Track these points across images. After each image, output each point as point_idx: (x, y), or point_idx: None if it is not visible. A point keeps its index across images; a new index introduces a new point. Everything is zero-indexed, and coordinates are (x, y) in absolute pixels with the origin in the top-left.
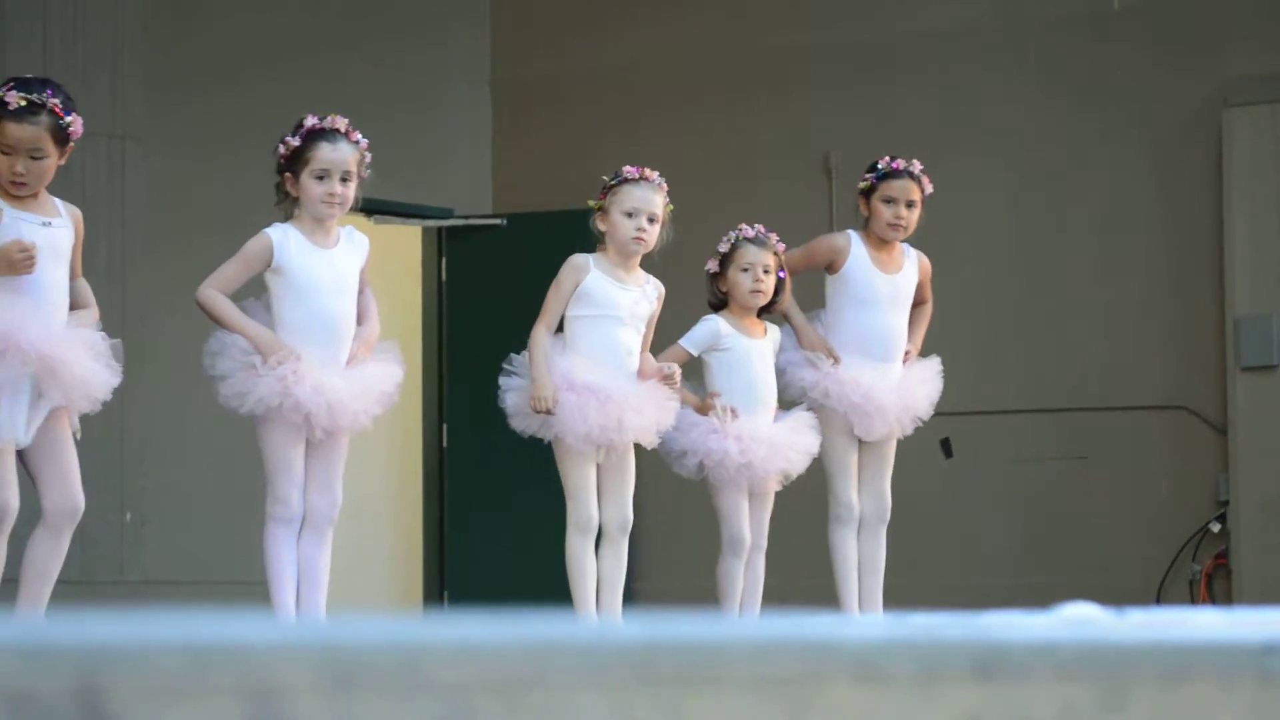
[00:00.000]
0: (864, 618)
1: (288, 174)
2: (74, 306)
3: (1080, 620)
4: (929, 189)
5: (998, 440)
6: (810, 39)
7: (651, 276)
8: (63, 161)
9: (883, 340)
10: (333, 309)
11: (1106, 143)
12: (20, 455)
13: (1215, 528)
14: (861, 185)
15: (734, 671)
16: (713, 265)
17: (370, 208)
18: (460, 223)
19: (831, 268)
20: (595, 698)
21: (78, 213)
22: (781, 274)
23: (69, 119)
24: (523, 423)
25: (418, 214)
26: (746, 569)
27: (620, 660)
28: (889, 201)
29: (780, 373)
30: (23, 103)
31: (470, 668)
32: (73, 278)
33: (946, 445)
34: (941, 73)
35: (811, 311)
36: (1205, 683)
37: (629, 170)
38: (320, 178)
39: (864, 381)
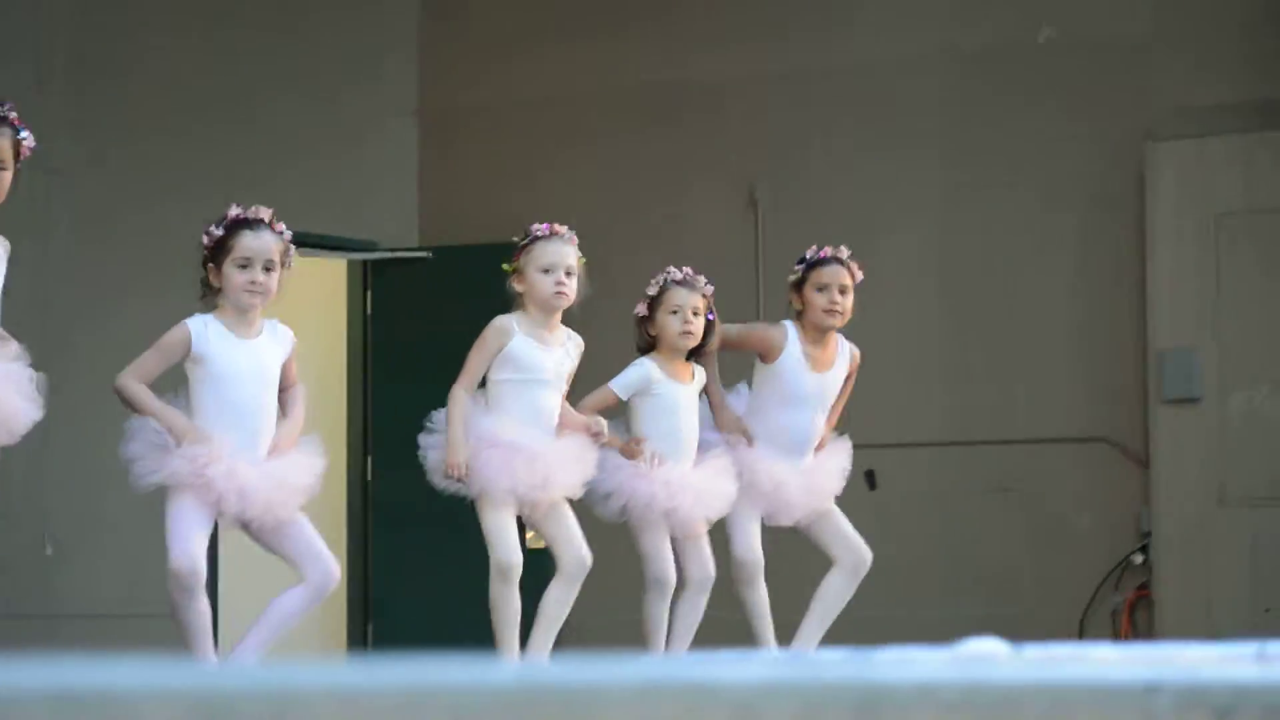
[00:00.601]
0: (743, 659)
1: (211, 265)
2: None
3: (980, 655)
4: (859, 276)
5: (921, 472)
6: (735, 70)
7: (572, 332)
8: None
9: (800, 439)
10: (251, 398)
11: (1030, 175)
12: None
13: (1137, 559)
14: (791, 278)
15: (611, 716)
16: (641, 309)
17: (295, 240)
18: (386, 255)
19: (765, 357)
20: None
21: (5, 243)
22: (711, 316)
23: (25, 133)
24: (443, 480)
25: (342, 246)
26: (686, 606)
27: (495, 704)
28: (822, 289)
29: (700, 444)
30: None
31: (342, 714)
32: None
33: (870, 477)
34: (865, 104)
35: (732, 386)
36: None
37: (538, 228)
38: (243, 266)
39: (775, 473)
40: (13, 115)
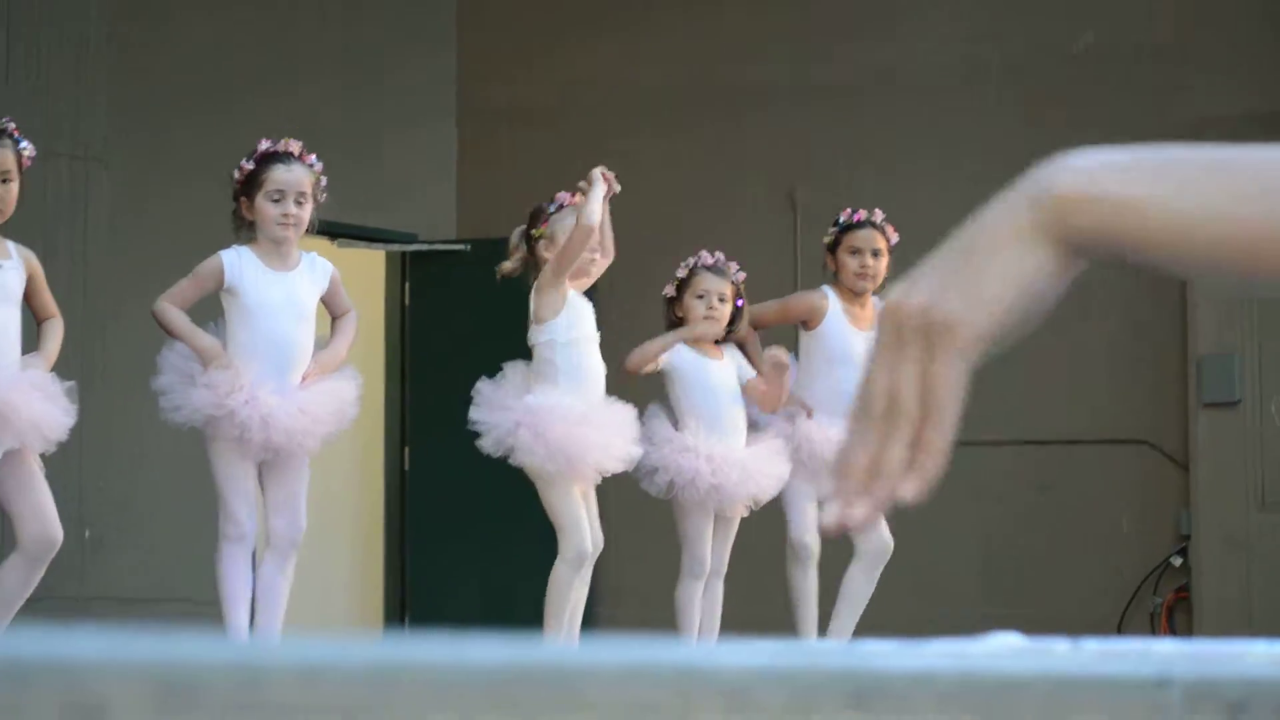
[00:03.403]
0: (736, 644)
1: (243, 198)
2: (41, 345)
3: (1002, 650)
4: (894, 238)
5: (960, 472)
6: (776, 72)
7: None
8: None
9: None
10: (285, 332)
11: None
12: None
13: (1176, 562)
14: (826, 240)
15: (596, 698)
16: (669, 290)
17: (334, 231)
18: (424, 248)
19: (807, 324)
20: None
21: (30, 254)
22: (740, 302)
23: (25, 144)
24: (493, 448)
25: (381, 238)
26: (706, 594)
27: (473, 685)
28: (854, 253)
29: (753, 422)
30: None
31: (311, 690)
32: (41, 318)
33: None
34: (908, 108)
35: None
36: (1092, 716)
37: (567, 196)
38: (275, 200)
39: (835, 440)
40: (11, 127)
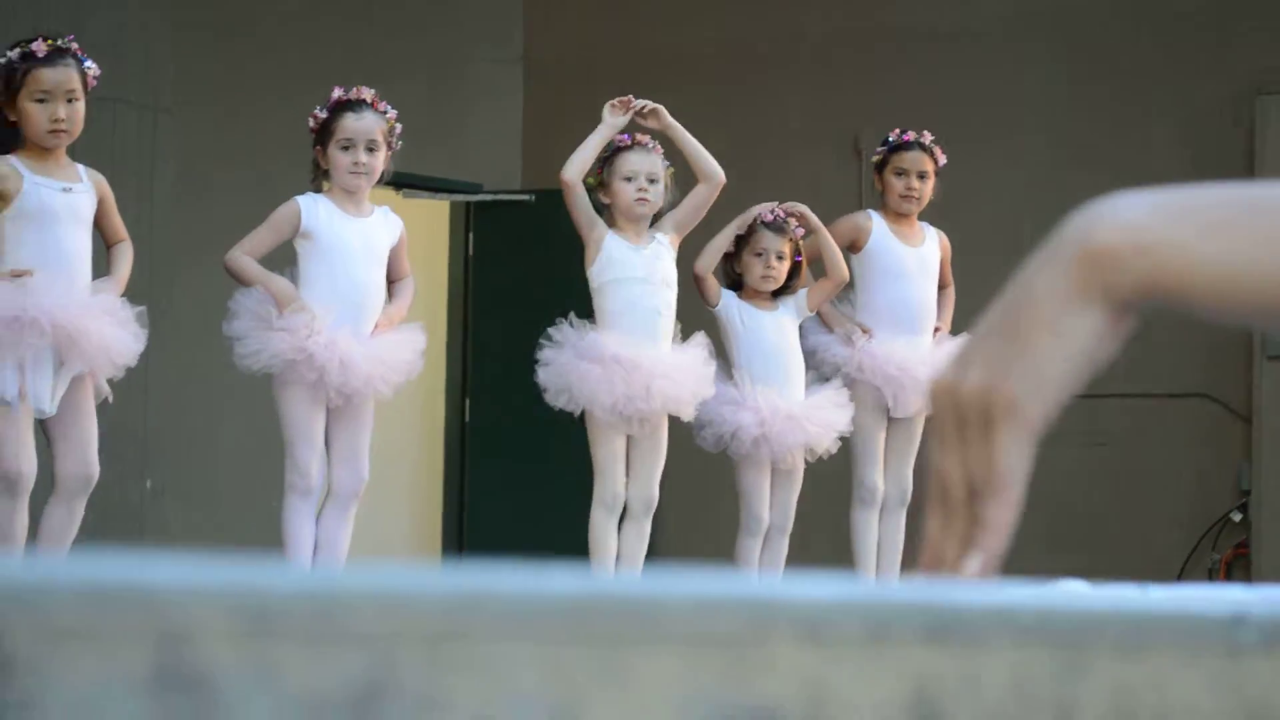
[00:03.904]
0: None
1: (318, 147)
2: (111, 270)
3: (1074, 593)
4: (942, 160)
5: None
6: (842, 22)
7: (658, 234)
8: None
9: (915, 312)
10: (360, 276)
11: (1138, 129)
12: (41, 421)
13: (1236, 517)
14: (874, 159)
15: (672, 629)
16: (729, 245)
17: (398, 181)
18: (489, 198)
19: (854, 247)
20: (524, 652)
21: (100, 178)
22: (799, 258)
23: (89, 63)
24: (556, 398)
25: (446, 188)
26: (767, 548)
27: (551, 614)
28: (900, 174)
29: (811, 352)
30: (51, 48)
31: (391, 618)
32: (111, 242)
33: None
34: (973, 56)
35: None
36: (1169, 654)
37: (621, 138)
38: (346, 148)
39: (897, 355)
40: (75, 46)
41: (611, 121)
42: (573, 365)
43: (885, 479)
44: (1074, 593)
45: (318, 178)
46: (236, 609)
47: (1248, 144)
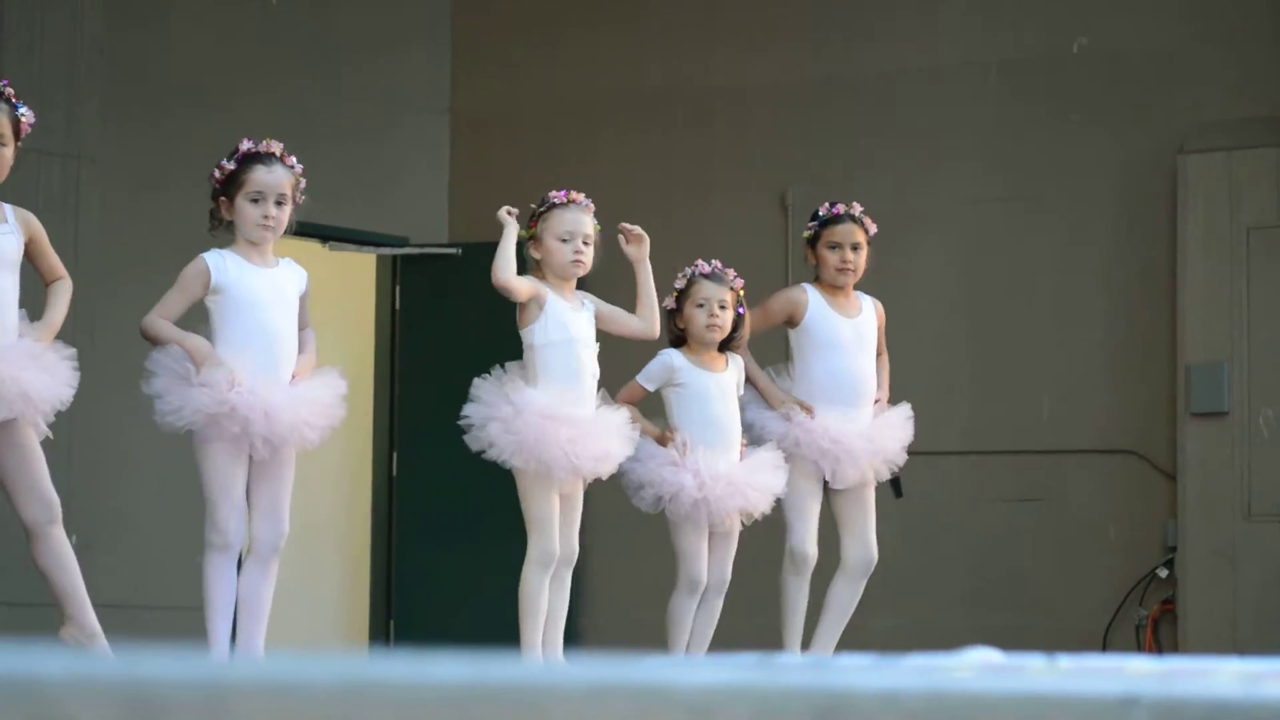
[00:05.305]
0: (700, 661)
1: (223, 198)
2: (46, 311)
3: (977, 665)
4: (873, 230)
5: (948, 481)
6: (768, 74)
7: (585, 296)
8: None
9: (852, 384)
10: (274, 325)
11: (1061, 187)
12: None
13: (1163, 573)
14: (806, 234)
15: (559, 716)
16: (669, 302)
17: (325, 234)
18: (415, 251)
19: (791, 321)
20: None
21: (30, 217)
22: (741, 309)
23: (23, 109)
24: (481, 445)
25: (373, 241)
26: (702, 608)
27: (439, 704)
28: (834, 247)
29: (749, 426)
30: None
31: (277, 708)
32: (48, 280)
33: (896, 484)
34: (900, 112)
35: (770, 366)
36: None
37: (556, 195)
38: (255, 200)
39: (833, 428)
40: (9, 91)
41: (513, 224)
42: (513, 421)
43: (849, 546)
44: (973, 668)
45: (219, 229)
46: (122, 700)
47: (1170, 203)
